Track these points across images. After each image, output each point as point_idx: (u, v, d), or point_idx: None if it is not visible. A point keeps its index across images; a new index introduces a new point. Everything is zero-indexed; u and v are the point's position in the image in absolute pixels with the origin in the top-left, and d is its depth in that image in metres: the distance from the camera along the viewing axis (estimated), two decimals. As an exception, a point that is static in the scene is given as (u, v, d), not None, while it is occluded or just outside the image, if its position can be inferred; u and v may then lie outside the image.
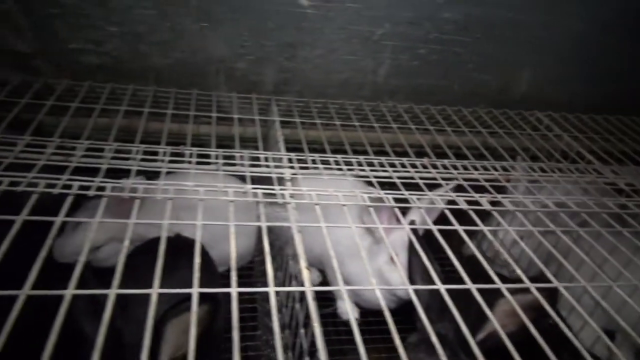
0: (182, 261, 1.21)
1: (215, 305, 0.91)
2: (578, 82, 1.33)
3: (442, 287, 0.70)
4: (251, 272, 1.64)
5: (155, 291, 0.64)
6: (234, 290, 0.65)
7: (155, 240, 1.22)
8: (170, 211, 0.80)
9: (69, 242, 1.32)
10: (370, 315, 1.39)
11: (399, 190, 0.96)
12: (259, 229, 1.61)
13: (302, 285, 0.69)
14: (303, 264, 0.73)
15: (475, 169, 1.11)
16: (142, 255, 1.20)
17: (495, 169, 1.12)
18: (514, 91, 1.36)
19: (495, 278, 0.75)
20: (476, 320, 0.82)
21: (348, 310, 1.45)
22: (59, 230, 1.41)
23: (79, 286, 0.92)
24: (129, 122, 1.12)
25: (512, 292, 0.75)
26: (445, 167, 1.10)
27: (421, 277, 1.09)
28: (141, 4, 0.93)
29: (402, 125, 1.28)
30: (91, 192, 0.80)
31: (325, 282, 1.49)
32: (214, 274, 1.25)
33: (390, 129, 1.26)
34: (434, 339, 0.61)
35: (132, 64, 1.19)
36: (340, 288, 0.69)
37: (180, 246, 1.23)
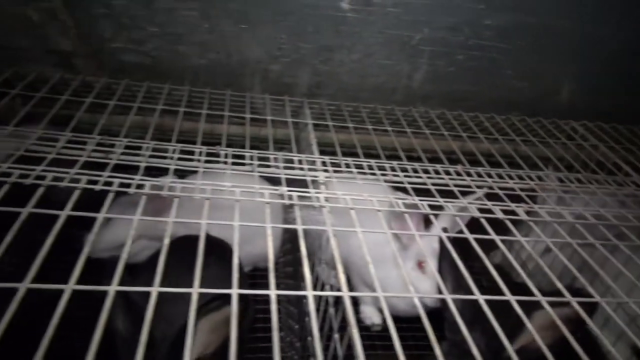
0: (210, 260, 1.22)
1: (245, 306, 0.91)
2: (617, 92, 1.30)
3: (480, 298, 0.69)
4: (275, 272, 1.64)
5: (195, 290, 0.65)
6: (272, 292, 0.65)
7: (184, 239, 1.24)
8: (205, 210, 0.81)
9: (101, 238, 1.34)
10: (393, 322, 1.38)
11: (432, 196, 0.95)
12: (283, 230, 1.63)
13: (338, 289, 0.69)
14: (340, 268, 0.72)
15: (510, 177, 1.09)
16: (171, 253, 1.22)
17: (530, 178, 1.10)
18: (550, 100, 1.34)
19: (535, 290, 0.73)
20: (509, 332, 0.81)
21: (372, 316, 1.47)
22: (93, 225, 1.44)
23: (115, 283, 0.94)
24: (162, 120, 1.13)
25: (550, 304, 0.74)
26: (479, 174, 1.09)
27: (452, 285, 1.08)
28: (185, 5, 0.95)
29: (435, 131, 1.27)
30: (132, 190, 0.82)
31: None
32: (241, 272, 1.25)
33: (422, 135, 1.25)
34: (474, 350, 0.60)
35: (169, 63, 1.21)
36: (378, 294, 0.68)
37: (208, 245, 1.24)
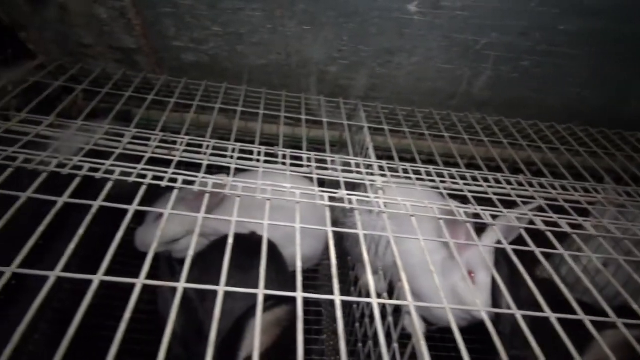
0: (257, 259, 1.23)
1: (295, 307, 0.90)
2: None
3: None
4: (316, 274, 1.64)
5: (261, 292, 0.65)
6: (337, 298, 0.64)
7: (238, 237, 1.25)
8: (266, 210, 0.80)
9: (151, 232, 1.37)
10: (438, 332, 1.35)
11: (493, 205, 0.92)
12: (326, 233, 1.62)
13: (403, 299, 0.67)
14: (404, 277, 0.71)
15: (575, 189, 1.05)
16: (219, 251, 1.23)
17: (596, 191, 1.05)
18: (616, 110, 1.28)
19: (609, 310, 0.70)
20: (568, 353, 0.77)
21: (414, 325, 1.44)
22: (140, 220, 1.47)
23: (168, 277, 0.95)
24: (219, 119, 1.15)
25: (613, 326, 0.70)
26: (541, 184, 1.05)
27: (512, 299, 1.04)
28: (251, 6, 0.95)
29: (492, 138, 1.24)
30: (195, 187, 0.82)
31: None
32: (288, 273, 1.25)
33: (480, 142, 1.22)
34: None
35: (228, 63, 1.22)
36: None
37: (256, 245, 1.24)
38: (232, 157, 0.95)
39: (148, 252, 1.44)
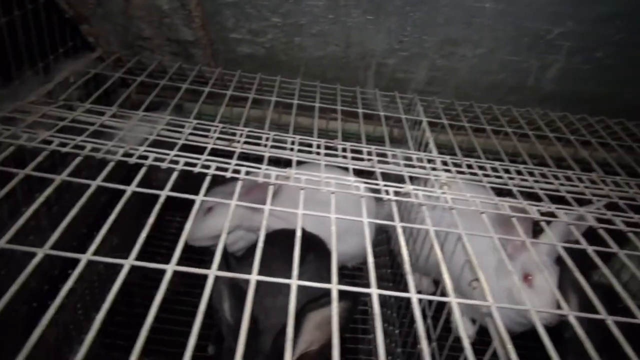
0: (310, 256, 1.21)
1: (351, 304, 0.88)
2: None
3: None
4: (361, 272, 1.61)
5: (294, 282, 0.62)
6: (375, 291, 0.61)
7: (281, 232, 1.23)
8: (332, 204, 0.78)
9: (201, 227, 1.37)
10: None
11: (567, 204, 0.87)
12: (376, 230, 1.59)
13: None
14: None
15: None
16: (270, 246, 1.22)
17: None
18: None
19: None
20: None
21: (459, 326, 1.39)
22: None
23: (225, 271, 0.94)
24: (275, 112, 1.13)
25: None
26: (616, 183, 0.98)
27: (577, 303, 0.99)
28: (315, -6, 0.93)
29: (558, 134, 1.17)
30: (260, 179, 0.81)
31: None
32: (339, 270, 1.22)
33: (544, 138, 1.16)
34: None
35: (283, 55, 1.20)
36: (489, 304, 0.62)
37: (307, 241, 1.22)
38: (292, 150, 0.93)
39: (196, 245, 1.45)
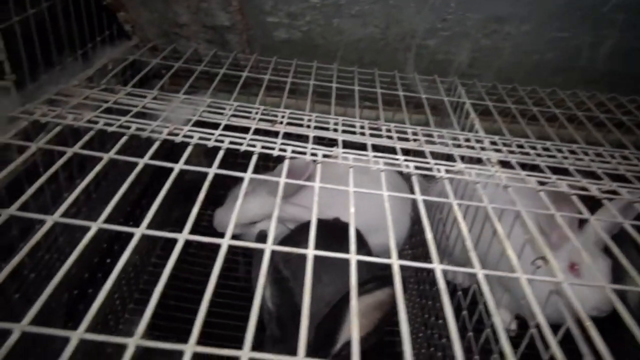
0: (346, 245, 1.18)
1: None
2: None
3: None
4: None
5: (353, 257, 0.60)
6: (438, 266, 0.58)
7: (320, 222, 1.21)
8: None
9: (230, 215, 1.35)
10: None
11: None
12: (412, 220, 1.56)
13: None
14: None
15: None
16: (306, 235, 1.20)
17: None
18: None
19: None
20: None
21: (506, 320, 1.34)
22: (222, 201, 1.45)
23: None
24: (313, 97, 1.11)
25: None
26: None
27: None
28: (362, -31, 0.90)
29: (611, 116, 1.12)
30: (307, 157, 0.79)
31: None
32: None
33: (595, 120, 1.11)
34: None
35: (320, 39, 1.18)
36: (560, 280, 0.58)
37: (341, 231, 1.20)
38: (335, 130, 0.91)
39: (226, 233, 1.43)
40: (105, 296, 0.50)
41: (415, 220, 1.58)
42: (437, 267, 0.58)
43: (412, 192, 0.74)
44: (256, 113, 0.93)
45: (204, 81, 1.12)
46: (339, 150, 0.81)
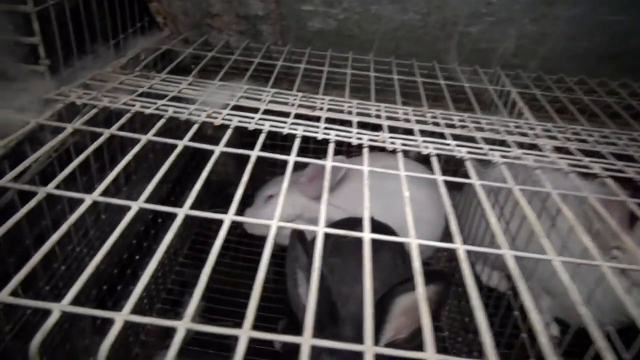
0: (384, 246, 1.14)
1: (446, 286, 0.79)
2: None
3: None
4: (428, 267, 1.52)
5: (414, 242, 0.54)
6: (508, 252, 0.52)
7: (349, 221, 1.16)
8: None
9: (260, 214, 1.32)
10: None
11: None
12: (445, 219, 1.49)
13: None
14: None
15: None
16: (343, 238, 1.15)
17: None
18: None
19: None
20: None
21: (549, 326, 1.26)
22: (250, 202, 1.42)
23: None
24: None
25: None
26: None
27: None
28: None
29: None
30: (354, 141, 0.74)
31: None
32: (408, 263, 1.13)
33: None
34: None
35: (356, 28, 1.14)
36: (505, 252, 0.52)
37: (377, 230, 1.15)
38: (378, 117, 0.86)
39: (256, 234, 1.39)
40: (148, 279, 0.45)
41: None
42: (508, 253, 0.53)
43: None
44: (294, 99, 0.89)
45: (235, 76, 1.08)
46: (385, 135, 0.76)
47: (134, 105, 0.75)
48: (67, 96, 0.75)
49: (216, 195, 1.69)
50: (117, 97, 0.77)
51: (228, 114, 0.77)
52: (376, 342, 0.81)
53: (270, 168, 1.54)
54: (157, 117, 0.73)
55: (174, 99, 0.81)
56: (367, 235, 0.54)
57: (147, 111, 0.73)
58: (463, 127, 0.86)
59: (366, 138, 0.75)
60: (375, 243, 1.14)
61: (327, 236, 1.27)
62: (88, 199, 0.54)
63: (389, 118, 0.86)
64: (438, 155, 0.72)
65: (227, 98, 0.84)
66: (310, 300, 0.45)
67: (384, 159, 1.43)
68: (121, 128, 0.69)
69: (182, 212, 0.54)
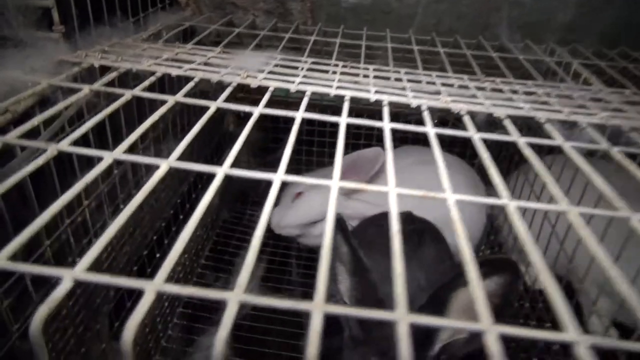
0: (425, 238, 1.03)
1: (516, 277, 0.68)
2: None
3: None
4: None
5: (452, 196, 0.43)
6: (510, 203, 0.41)
7: (387, 214, 1.05)
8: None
9: (288, 213, 1.24)
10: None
11: None
12: (487, 219, 1.37)
13: None
14: None
15: None
16: (378, 228, 1.04)
17: None
18: None
19: None
20: None
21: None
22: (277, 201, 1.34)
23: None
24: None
25: None
26: None
27: None
28: None
29: None
30: (412, 102, 0.63)
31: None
32: (454, 260, 1.01)
33: None
34: None
35: (394, 2, 1.05)
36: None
37: (417, 225, 1.02)
38: (433, 84, 0.76)
39: (283, 234, 1.28)
40: (184, 246, 0.35)
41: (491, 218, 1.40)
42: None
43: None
44: (335, 66, 0.79)
45: (266, 50, 0.99)
46: (447, 98, 0.66)
47: (158, 70, 0.66)
48: (83, 60, 0.67)
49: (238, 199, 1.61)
50: (140, 62, 0.68)
51: (265, 78, 0.67)
52: (432, 343, 0.70)
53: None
54: (185, 79, 0.63)
55: (203, 64, 0.72)
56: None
57: (175, 72, 0.64)
58: (529, 93, 0.75)
59: (425, 101, 0.64)
60: (418, 239, 1.01)
61: (364, 233, 1.15)
62: (108, 157, 0.44)
63: (444, 85, 0.76)
64: (510, 117, 0.62)
65: (261, 64, 0.74)
66: (322, 264, 0.34)
67: (419, 153, 1.33)
68: (145, 91, 0.60)
69: (221, 171, 0.44)
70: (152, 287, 0.31)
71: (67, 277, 0.31)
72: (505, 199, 0.42)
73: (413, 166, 1.22)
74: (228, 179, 0.44)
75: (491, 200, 0.43)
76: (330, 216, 0.39)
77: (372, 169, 1.13)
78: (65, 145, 0.45)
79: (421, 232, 1.03)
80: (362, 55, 0.90)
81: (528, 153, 0.52)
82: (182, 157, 0.45)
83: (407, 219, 1.05)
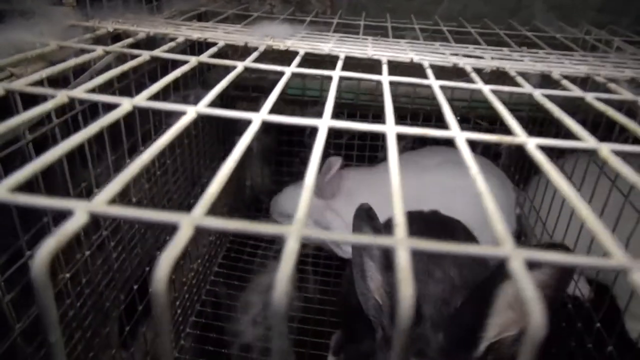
0: (455, 235, 0.97)
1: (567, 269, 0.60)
2: None
3: None
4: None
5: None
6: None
7: (413, 215, 0.99)
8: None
9: (287, 202, 1.27)
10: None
11: None
12: (517, 216, 1.30)
13: None
14: None
15: None
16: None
17: None
18: None
19: None
20: None
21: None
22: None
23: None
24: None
25: None
26: None
27: None
28: None
29: None
30: (458, 62, 0.57)
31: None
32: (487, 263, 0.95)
33: None
34: None
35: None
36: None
37: (444, 223, 0.98)
38: (469, 56, 0.70)
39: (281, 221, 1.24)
40: (224, 180, 0.29)
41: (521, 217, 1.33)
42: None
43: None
44: (364, 39, 0.74)
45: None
46: (494, 63, 0.60)
47: (179, 34, 0.60)
48: (97, 26, 0.61)
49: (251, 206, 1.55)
50: (157, 29, 0.63)
51: (295, 43, 0.62)
52: (476, 342, 0.62)
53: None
54: (208, 45, 0.58)
55: (225, 33, 0.67)
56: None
57: (196, 35, 0.58)
58: (579, 61, 0.69)
59: (466, 62, 0.58)
60: (448, 237, 0.94)
61: (389, 232, 1.06)
62: (126, 104, 0.38)
63: (483, 53, 0.70)
64: (566, 77, 0.55)
65: (288, 34, 0.69)
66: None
67: (445, 153, 1.27)
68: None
69: (258, 118, 0.38)
70: (189, 221, 0.24)
71: (81, 210, 0.24)
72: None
73: (440, 166, 1.19)
74: (242, 184, 0.38)
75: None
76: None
77: (328, 172, 1.14)
78: (81, 92, 0.40)
79: (452, 231, 0.96)
80: (389, 34, 0.85)
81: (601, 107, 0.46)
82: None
83: (434, 216, 1.00)
